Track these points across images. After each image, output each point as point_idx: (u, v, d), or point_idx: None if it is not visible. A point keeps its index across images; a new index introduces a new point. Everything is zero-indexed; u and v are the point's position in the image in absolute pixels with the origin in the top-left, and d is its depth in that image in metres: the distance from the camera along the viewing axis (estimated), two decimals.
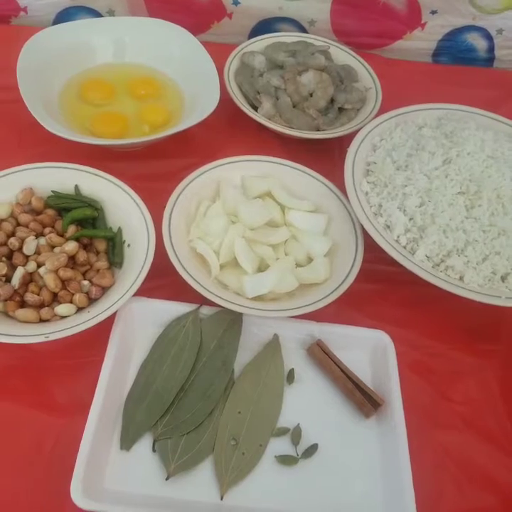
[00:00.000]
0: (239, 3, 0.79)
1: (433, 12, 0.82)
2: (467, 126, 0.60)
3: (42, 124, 0.56)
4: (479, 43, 0.86)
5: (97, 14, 0.79)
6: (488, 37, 0.85)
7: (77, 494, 0.38)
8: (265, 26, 0.82)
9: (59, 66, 0.66)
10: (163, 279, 0.52)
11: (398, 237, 0.54)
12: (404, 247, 0.53)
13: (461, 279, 0.52)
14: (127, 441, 0.43)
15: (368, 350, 0.51)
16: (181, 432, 0.44)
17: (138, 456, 0.43)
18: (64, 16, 0.79)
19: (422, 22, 0.83)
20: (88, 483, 0.39)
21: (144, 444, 0.44)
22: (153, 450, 0.44)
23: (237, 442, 0.44)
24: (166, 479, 0.42)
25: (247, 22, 0.82)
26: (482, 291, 0.51)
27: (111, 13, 0.79)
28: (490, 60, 0.88)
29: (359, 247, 0.55)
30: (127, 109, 0.66)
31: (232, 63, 0.72)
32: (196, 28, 0.77)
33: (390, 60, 0.84)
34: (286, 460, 0.45)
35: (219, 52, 0.70)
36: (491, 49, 0.86)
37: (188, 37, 0.70)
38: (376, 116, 0.66)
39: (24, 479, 0.42)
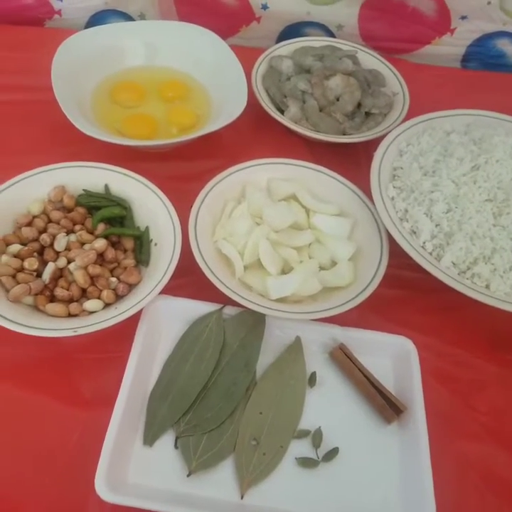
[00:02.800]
0: (267, 7, 0.80)
1: (463, 17, 0.81)
2: (496, 132, 0.60)
3: (75, 125, 0.57)
4: (509, 49, 0.85)
5: (128, 18, 0.81)
6: None
7: (101, 487, 0.39)
8: (293, 30, 0.82)
9: (91, 68, 0.67)
10: (187, 278, 0.53)
11: (424, 243, 0.53)
12: (430, 254, 0.53)
13: (487, 287, 0.52)
14: (150, 437, 0.44)
15: (391, 356, 0.51)
16: (203, 429, 0.44)
17: (160, 452, 0.44)
18: (97, 19, 0.80)
19: (452, 27, 0.82)
20: (112, 476, 0.40)
21: (167, 441, 0.44)
22: (176, 447, 0.44)
23: (257, 443, 0.45)
24: (188, 476, 0.43)
25: (275, 26, 0.82)
26: (509, 300, 0.50)
27: (142, 16, 0.81)
28: None
29: (384, 251, 0.54)
30: (156, 111, 0.67)
31: (260, 67, 0.72)
32: (225, 31, 0.78)
33: (418, 65, 0.84)
34: (306, 462, 0.45)
35: (247, 56, 0.71)
36: None
37: (217, 41, 0.71)
38: (403, 121, 0.66)
39: (49, 471, 0.43)
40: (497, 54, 0.85)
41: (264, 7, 0.80)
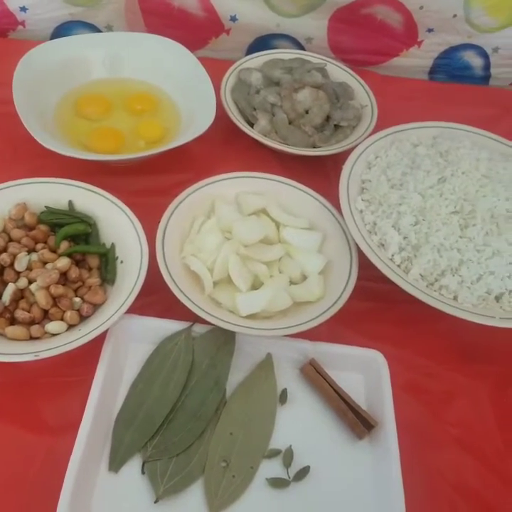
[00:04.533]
0: (237, 19, 0.79)
1: (429, 30, 0.82)
2: (462, 145, 0.61)
3: (36, 139, 0.56)
4: (475, 61, 0.86)
5: (95, 29, 0.80)
6: (484, 55, 0.85)
7: None
8: (262, 43, 0.82)
9: (55, 81, 0.66)
10: (155, 296, 0.52)
11: (392, 255, 0.53)
12: (399, 266, 0.53)
13: (455, 298, 0.52)
14: (116, 463, 0.43)
15: (362, 369, 0.51)
16: (171, 453, 0.43)
17: (126, 478, 0.43)
18: (62, 31, 0.79)
19: (419, 40, 0.83)
20: (75, 506, 0.39)
21: (133, 466, 0.43)
22: (143, 472, 0.43)
23: (227, 464, 0.44)
24: (155, 502, 0.41)
25: (245, 38, 0.82)
26: (476, 311, 0.51)
27: (109, 28, 0.80)
28: (486, 78, 0.88)
29: (353, 265, 0.54)
30: (123, 125, 0.66)
31: (229, 79, 0.72)
32: (193, 43, 0.77)
33: (386, 77, 0.85)
34: (277, 483, 0.44)
35: (216, 68, 0.71)
36: (486, 67, 0.87)
37: (185, 53, 0.71)
38: (371, 133, 0.66)
39: (8, 500, 0.41)
40: (463, 66, 0.87)
41: (233, 19, 0.80)
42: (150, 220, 0.54)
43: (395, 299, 0.55)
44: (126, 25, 0.80)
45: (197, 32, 0.80)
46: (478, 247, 0.53)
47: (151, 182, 0.64)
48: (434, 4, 0.78)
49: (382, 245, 0.54)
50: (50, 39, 0.78)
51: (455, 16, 0.80)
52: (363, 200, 0.57)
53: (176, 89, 0.70)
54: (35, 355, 0.43)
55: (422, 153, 0.60)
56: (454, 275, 0.52)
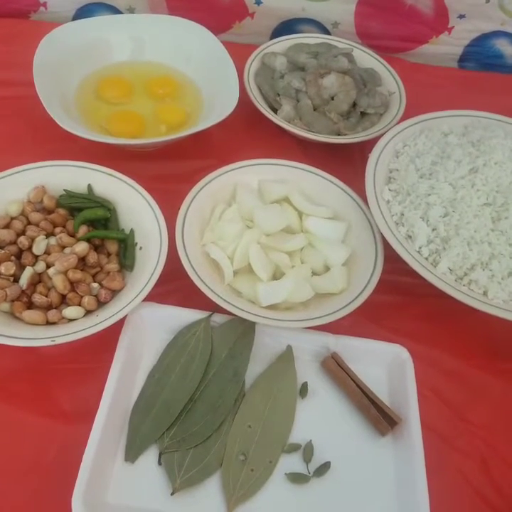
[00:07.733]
0: (261, 3, 0.78)
1: (461, 16, 0.79)
2: (495, 134, 0.58)
3: (56, 122, 0.55)
4: (507, 49, 0.83)
5: (116, 11, 0.78)
6: None
7: (78, 507, 0.37)
8: (287, 27, 0.80)
9: (76, 63, 0.65)
10: (174, 284, 0.51)
11: (420, 248, 0.52)
12: (426, 259, 0.51)
13: (484, 294, 0.50)
14: (132, 453, 0.42)
15: (385, 364, 0.49)
16: (188, 445, 0.42)
17: (143, 469, 0.42)
18: (83, 13, 0.78)
19: (449, 26, 0.81)
20: (90, 496, 0.38)
21: (150, 457, 0.42)
22: (159, 463, 0.42)
23: (246, 458, 0.43)
24: (172, 494, 0.41)
25: (269, 22, 0.80)
26: (507, 308, 0.49)
27: (131, 10, 0.79)
28: None
29: (379, 256, 0.53)
30: (144, 109, 0.65)
31: (253, 64, 0.70)
32: (217, 27, 0.75)
33: (414, 64, 0.82)
34: (297, 478, 0.43)
35: (240, 53, 0.69)
36: None
37: (208, 36, 0.69)
38: (400, 121, 0.64)
39: (23, 488, 0.41)
40: (495, 54, 0.84)
41: (258, 2, 0.78)
42: (170, 207, 0.53)
43: (420, 293, 0.54)
44: (148, 8, 0.78)
45: (220, 15, 0.79)
46: (510, 240, 0.51)
47: (172, 168, 0.63)
48: None
49: (410, 237, 0.53)
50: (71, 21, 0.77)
51: (488, 1, 0.77)
52: (390, 190, 0.55)
53: (198, 73, 0.69)
54: (52, 340, 0.42)
55: (453, 143, 0.57)
56: (484, 269, 0.50)
